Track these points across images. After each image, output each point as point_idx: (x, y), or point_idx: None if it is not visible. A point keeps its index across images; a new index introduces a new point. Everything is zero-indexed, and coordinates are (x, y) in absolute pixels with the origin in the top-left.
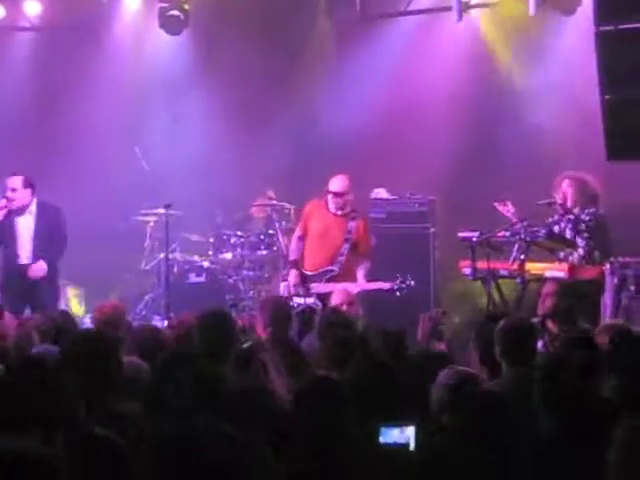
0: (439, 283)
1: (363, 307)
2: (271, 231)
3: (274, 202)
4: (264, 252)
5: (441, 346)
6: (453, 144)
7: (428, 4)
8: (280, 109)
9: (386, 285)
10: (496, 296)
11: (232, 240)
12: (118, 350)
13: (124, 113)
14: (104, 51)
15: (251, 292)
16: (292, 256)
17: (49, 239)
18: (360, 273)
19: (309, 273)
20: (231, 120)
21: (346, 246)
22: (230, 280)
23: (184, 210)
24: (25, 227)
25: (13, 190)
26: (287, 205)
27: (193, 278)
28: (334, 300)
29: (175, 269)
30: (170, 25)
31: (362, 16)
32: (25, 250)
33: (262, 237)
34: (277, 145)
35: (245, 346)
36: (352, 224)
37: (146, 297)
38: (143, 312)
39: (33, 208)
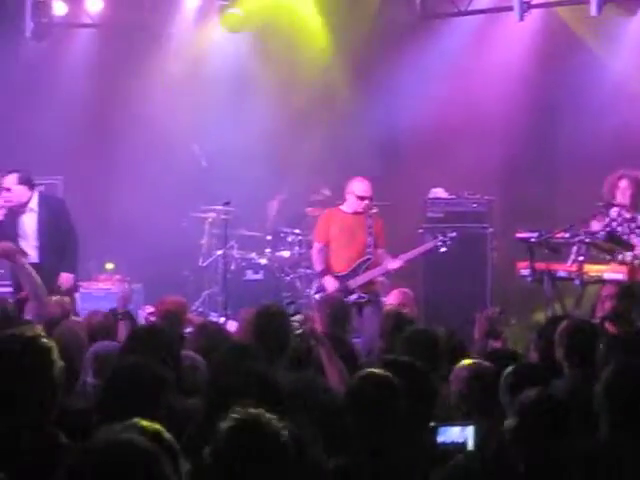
0: (496, 284)
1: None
2: None
3: (329, 199)
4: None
5: (497, 345)
6: (511, 144)
7: (489, 3)
8: (336, 108)
9: (429, 245)
10: (555, 298)
11: (289, 238)
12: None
13: (183, 110)
14: (164, 48)
15: (308, 290)
16: (320, 267)
17: (56, 233)
18: (387, 256)
19: (343, 273)
20: (289, 118)
21: (370, 239)
22: (287, 278)
23: (242, 207)
24: (29, 225)
25: (7, 190)
26: (341, 203)
27: (250, 275)
28: (390, 301)
29: (232, 266)
30: (230, 22)
31: (422, 15)
32: (31, 248)
33: None
34: (334, 144)
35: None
36: (370, 221)
37: (203, 294)
38: (200, 309)
39: (34, 205)
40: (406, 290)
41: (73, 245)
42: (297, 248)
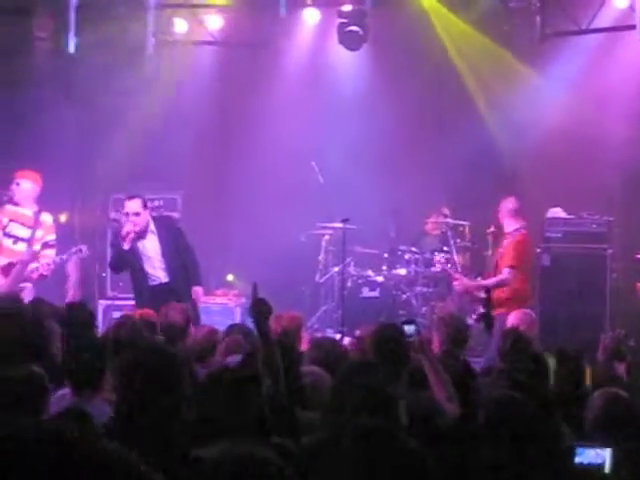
0: (615, 305)
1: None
2: (445, 248)
3: (449, 219)
4: (438, 269)
5: (621, 367)
6: (630, 164)
7: (610, 22)
8: (455, 127)
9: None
10: None
11: (406, 256)
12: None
13: (301, 127)
14: (283, 65)
15: (424, 308)
16: None
17: (176, 250)
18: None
19: None
20: (408, 137)
21: None
22: (403, 296)
23: (359, 224)
24: (151, 247)
25: (136, 214)
26: (462, 222)
27: (366, 292)
28: (511, 321)
29: (349, 283)
30: (349, 41)
31: (542, 35)
32: (158, 270)
33: (436, 254)
34: (452, 163)
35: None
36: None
37: (320, 310)
38: (316, 325)
39: (152, 227)
40: (527, 311)
41: (194, 258)
42: (414, 266)
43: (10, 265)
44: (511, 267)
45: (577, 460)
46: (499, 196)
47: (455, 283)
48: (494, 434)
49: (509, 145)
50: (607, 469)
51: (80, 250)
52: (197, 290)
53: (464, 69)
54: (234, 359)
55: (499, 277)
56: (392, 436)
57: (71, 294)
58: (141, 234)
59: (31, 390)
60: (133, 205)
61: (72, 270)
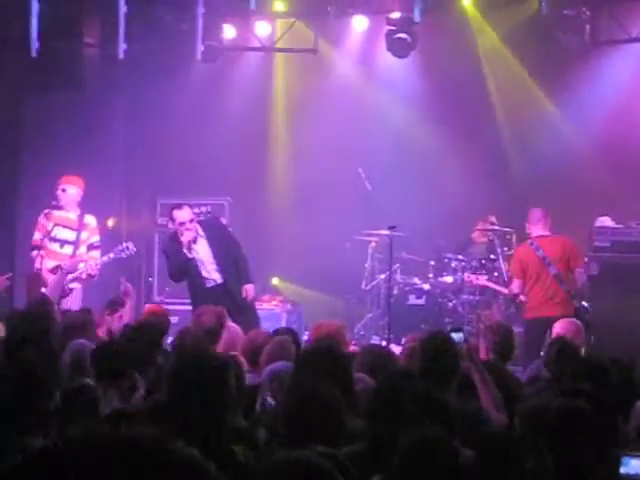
0: None
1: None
2: (492, 256)
3: (496, 227)
4: (485, 277)
5: None
6: None
7: None
8: (504, 134)
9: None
10: None
11: (453, 264)
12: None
13: (348, 134)
14: (331, 72)
15: (470, 316)
16: None
17: (226, 250)
18: None
19: None
20: (455, 144)
21: None
22: (449, 303)
23: (406, 232)
24: (203, 251)
25: (190, 221)
26: (509, 230)
27: (413, 300)
28: (557, 330)
29: (395, 290)
30: (397, 48)
31: (592, 42)
32: (213, 272)
33: (483, 262)
34: (501, 170)
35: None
36: None
37: (366, 317)
38: (362, 332)
39: (200, 231)
40: (572, 319)
41: (243, 253)
42: (460, 274)
43: (58, 267)
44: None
45: (622, 470)
46: (547, 204)
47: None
48: (542, 443)
49: (558, 153)
50: None
51: (127, 247)
52: (248, 288)
53: (510, 77)
54: (278, 365)
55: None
56: (450, 447)
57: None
58: (194, 240)
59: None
60: (185, 214)
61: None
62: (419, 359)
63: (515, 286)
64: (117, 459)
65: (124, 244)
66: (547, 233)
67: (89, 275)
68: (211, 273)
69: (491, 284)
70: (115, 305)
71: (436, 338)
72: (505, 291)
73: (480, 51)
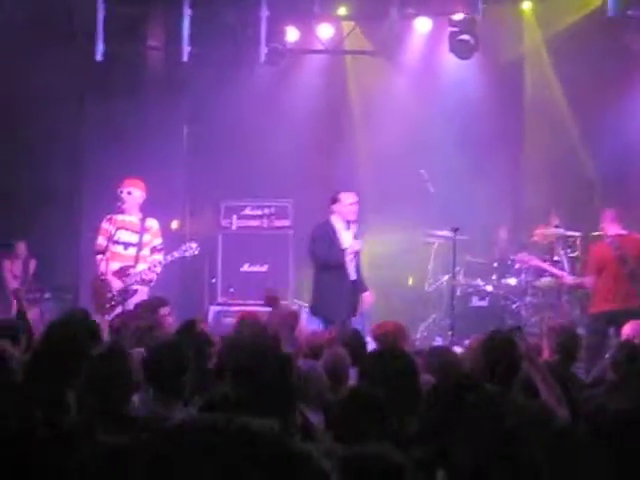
0: None
1: None
2: (556, 258)
3: (559, 229)
4: (548, 279)
5: None
6: None
7: None
8: (569, 135)
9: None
10: None
11: (516, 265)
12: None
13: (411, 135)
14: (394, 74)
15: (533, 319)
16: None
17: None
18: None
19: None
20: (519, 145)
21: None
22: (513, 306)
23: (468, 233)
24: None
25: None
26: (573, 233)
27: (476, 302)
28: (626, 332)
29: (458, 292)
30: (460, 49)
31: None
32: (351, 267)
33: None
34: (564, 171)
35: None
36: None
37: (429, 318)
38: (425, 333)
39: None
40: None
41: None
42: (524, 275)
43: (122, 269)
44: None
45: None
46: (613, 203)
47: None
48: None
49: (623, 152)
50: None
51: (190, 247)
52: (367, 295)
53: (572, 78)
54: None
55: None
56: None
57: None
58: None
59: None
60: (353, 196)
61: None
62: (481, 360)
63: (587, 281)
64: (238, 444)
65: (187, 244)
66: (624, 232)
67: (149, 280)
68: (350, 268)
69: (545, 265)
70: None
71: (498, 339)
72: (560, 273)
73: (542, 50)
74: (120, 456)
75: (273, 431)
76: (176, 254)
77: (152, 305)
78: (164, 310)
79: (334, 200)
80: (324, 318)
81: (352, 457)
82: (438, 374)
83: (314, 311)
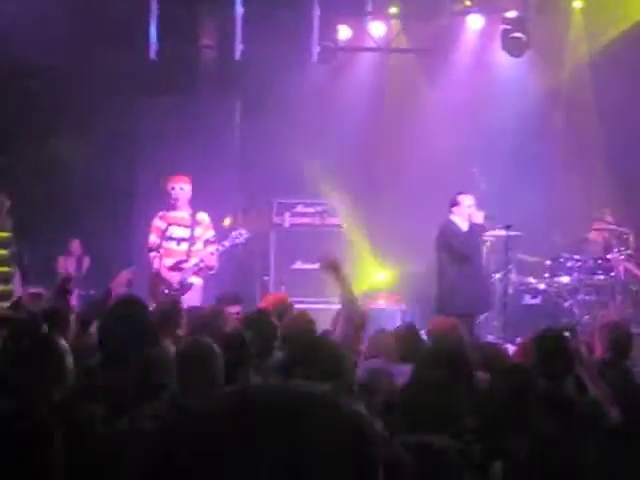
0: None
1: None
2: (609, 256)
3: (613, 226)
4: (601, 277)
5: None
6: None
7: None
8: (619, 133)
9: None
10: None
11: (569, 263)
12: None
13: (464, 132)
14: (446, 71)
15: (586, 317)
16: None
17: None
18: None
19: None
20: (573, 141)
21: None
22: (565, 304)
23: (522, 231)
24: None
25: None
26: (626, 230)
27: (528, 300)
28: None
29: (510, 290)
30: (512, 47)
31: None
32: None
33: (600, 262)
34: (619, 168)
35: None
36: None
37: (481, 317)
38: (476, 331)
39: None
40: None
41: None
42: (576, 274)
43: (178, 263)
44: None
45: None
46: None
47: None
48: None
49: None
50: None
51: (240, 234)
52: None
53: (627, 73)
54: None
55: None
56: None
57: None
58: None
59: None
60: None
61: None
62: (534, 356)
63: None
64: (293, 407)
65: (237, 231)
66: None
67: (207, 267)
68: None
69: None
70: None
71: (550, 336)
72: None
73: (589, 50)
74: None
75: (328, 393)
76: (227, 243)
77: (224, 301)
78: (234, 308)
79: (453, 203)
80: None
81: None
82: (492, 371)
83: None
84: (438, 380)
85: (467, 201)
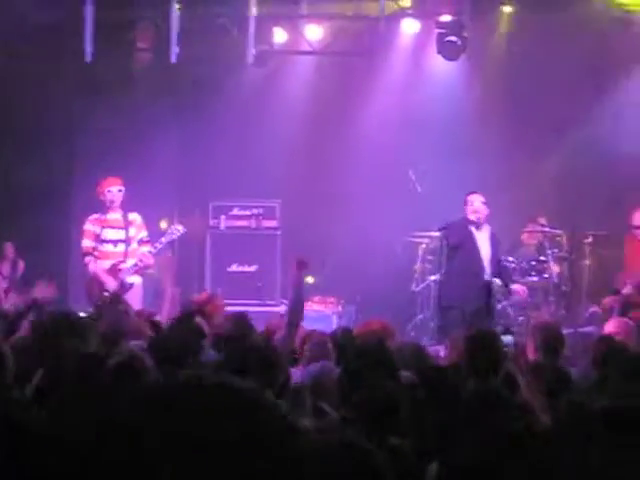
0: None
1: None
2: (542, 258)
3: (546, 228)
4: (535, 278)
5: None
6: None
7: None
8: (554, 137)
9: None
10: None
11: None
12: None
13: (398, 136)
14: (381, 75)
15: (520, 318)
16: None
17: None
18: None
19: None
20: (505, 145)
21: None
22: (499, 305)
23: None
24: (483, 242)
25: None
26: (559, 232)
27: None
28: (608, 329)
29: None
30: (448, 51)
31: None
32: (487, 267)
33: (533, 263)
34: (549, 171)
35: None
36: None
37: (416, 319)
38: (412, 333)
39: (488, 227)
40: (626, 320)
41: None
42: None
43: (115, 265)
44: None
45: None
46: (598, 205)
47: None
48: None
49: (613, 153)
50: None
51: (176, 229)
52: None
53: (562, 78)
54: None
55: None
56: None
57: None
58: (478, 224)
59: None
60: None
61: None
62: (463, 357)
63: None
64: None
65: (173, 226)
66: None
67: (145, 266)
68: (487, 268)
69: None
70: None
71: (480, 335)
72: None
73: (530, 54)
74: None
75: (250, 386)
76: (163, 239)
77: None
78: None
79: (464, 202)
80: None
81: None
82: (415, 371)
83: None
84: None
85: (475, 201)
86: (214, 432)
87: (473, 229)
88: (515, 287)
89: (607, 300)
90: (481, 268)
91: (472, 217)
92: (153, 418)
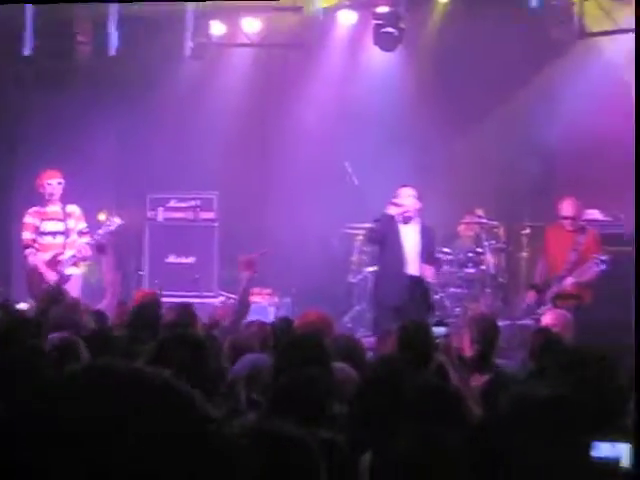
0: None
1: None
2: (479, 249)
3: (483, 220)
4: (472, 270)
5: None
6: None
7: None
8: (490, 128)
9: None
10: None
11: (439, 257)
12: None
13: (335, 128)
14: (318, 66)
15: (457, 309)
16: None
17: (427, 260)
18: None
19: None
20: (441, 137)
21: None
22: (436, 296)
23: None
24: (410, 236)
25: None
26: (496, 224)
27: None
28: (545, 321)
29: None
30: (384, 42)
31: (580, 33)
32: (412, 261)
33: (470, 255)
34: (487, 163)
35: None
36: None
37: (353, 310)
38: (349, 325)
39: (418, 221)
40: (563, 312)
41: None
42: (447, 267)
43: (55, 256)
44: None
45: (594, 454)
46: (535, 197)
47: None
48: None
49: (549, 146)
50: (625, 463)
51: (113, 221)
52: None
53: (502, 67)
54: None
55: None
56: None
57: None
58: (405, 219)
59: None
60: (409, 191)
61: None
62: (395, 349)
63: None
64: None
65: (110, 218)
66: None
67: (84, 257)
68: (411, 263)
69: None
70: None
71: (411, 327)
72: None
73: (465, 43)
74: None
75: (163, 377)
76: (101, 231)
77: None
78: None
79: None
80: None
81: (266, 431)
82: (349, 361)
83: None
84: (293, 368)
85: (403, 195)
86: (115, 419)
87: (400, 224)
88: (423, 267)
89: (530, 296)
90: (403, 263)
91: (392, 211)
92: (54, 403)
